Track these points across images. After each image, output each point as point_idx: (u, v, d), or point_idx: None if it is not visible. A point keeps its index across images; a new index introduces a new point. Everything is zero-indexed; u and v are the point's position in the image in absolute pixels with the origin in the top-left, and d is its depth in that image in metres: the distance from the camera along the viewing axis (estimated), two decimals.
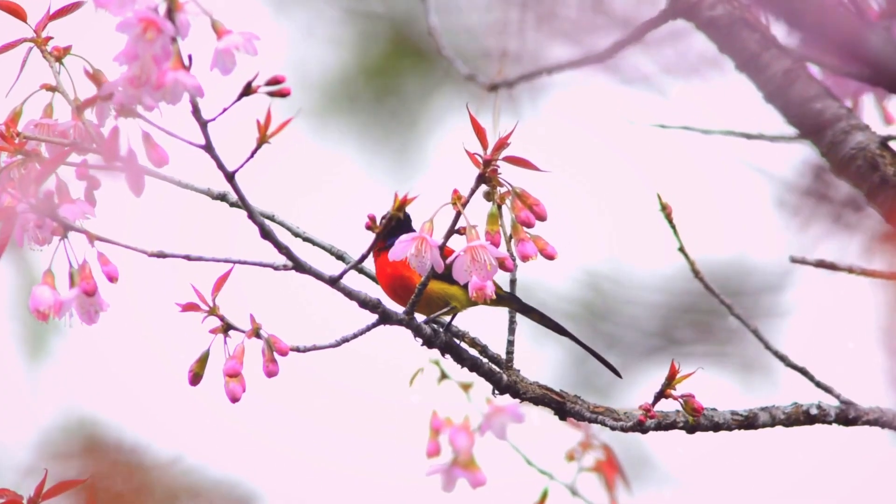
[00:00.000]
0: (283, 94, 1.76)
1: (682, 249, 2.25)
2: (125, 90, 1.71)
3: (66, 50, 1.95)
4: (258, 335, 1.90)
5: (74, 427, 3.29)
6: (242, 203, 1.82)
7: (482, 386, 2.24)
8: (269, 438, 3.32)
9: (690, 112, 2.38)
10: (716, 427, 2.10)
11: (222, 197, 2.11)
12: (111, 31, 1.77)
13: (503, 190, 1.91)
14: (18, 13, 1.95)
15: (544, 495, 2.45)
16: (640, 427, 2.05)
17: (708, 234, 3.32)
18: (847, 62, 2.08)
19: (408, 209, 1.91)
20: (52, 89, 1.94)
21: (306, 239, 2.14)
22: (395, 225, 1.92)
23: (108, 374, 3.37)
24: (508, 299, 2.09)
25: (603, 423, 2.07)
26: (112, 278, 1.83)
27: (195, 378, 1.90)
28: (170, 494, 2.91)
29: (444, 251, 1.89)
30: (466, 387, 2.43)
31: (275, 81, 1.76)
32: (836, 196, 2.22)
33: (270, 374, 1.89)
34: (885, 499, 2.65)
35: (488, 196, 1.92)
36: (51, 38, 1.95)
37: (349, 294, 1.93)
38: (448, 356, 2.07)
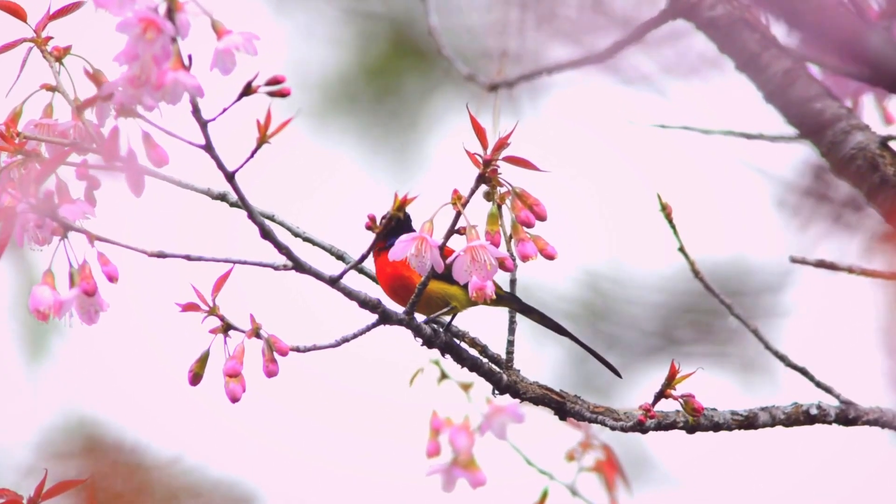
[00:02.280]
0: (283, 95, 1.76)
1: (682, 249, 2.25)
2: (125, 90, 1.70)
3: (66, 50, 1.95)
4: (258, 335, 1.90)
5: (74, 427, 3.29)
6: (242, 203, 1.82)
7: (482, 386, 2.24)
8: (268, 438, 3.32)
9: (690, 112, 2.38)
10: (716, 427, 2.10)
11: (222, 197, 2.11)
12: (111, 30, 1.77)
13: (503, 190, 1.91)
14: (18, 13, 1.95)
15: (544, 495, 2.45)
16: (640, 427, 2.05)
17: (708, 234, 3.32)
18: (847, 62, 2.08)
19: (408, 209, 1.91)
20: (52, 89, 1.94)
21: (306, 239, 2.14)
22: (395, 225, 1.92)
23: (108, 373, 3.37)
24: (508, 299, 2.09)
25: (603, 424, 2.06)
26: (112, 278, 1.82)
27: (195, 378, 1.90)
28: (170, 494, 2.91)
29: (444, 251, 1.89)
30: (466, 387, 2.44)
31: (275, 81, 1.76)
32: (835, 196, 2.22)
33: (270, 374, 1.89)
34: (886, 499, 2.65)
35: (488, 196, 1.92)
36: (51, 37, 1.95)
37: (349, 294, 1.93)
38: (448, 356, 2.06)
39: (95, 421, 3.27)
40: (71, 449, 3.12)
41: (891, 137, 2.14)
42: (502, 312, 2.11)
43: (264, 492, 2.91)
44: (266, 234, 1.84)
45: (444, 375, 2.42)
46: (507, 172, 1.90)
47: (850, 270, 2.23)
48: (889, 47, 2.00)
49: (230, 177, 1.78)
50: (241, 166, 1.78)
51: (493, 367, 2.09)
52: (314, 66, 3.78)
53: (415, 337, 2.03)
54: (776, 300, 3.24)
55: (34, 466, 3.02)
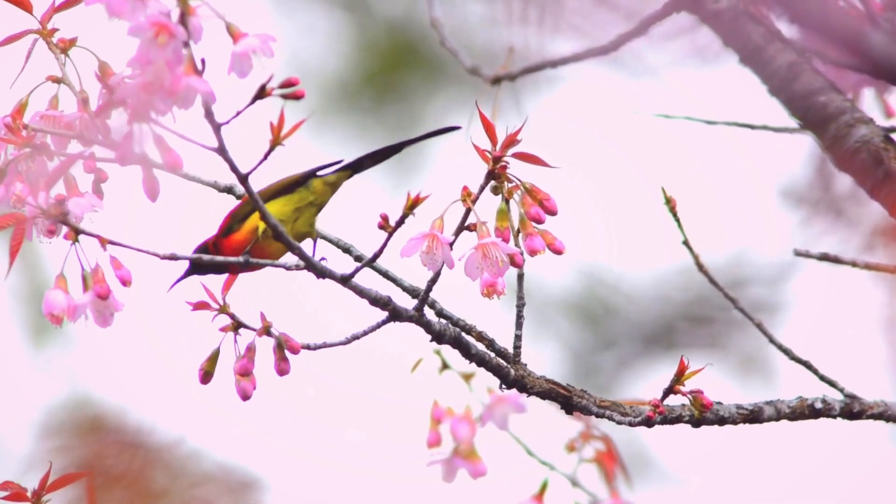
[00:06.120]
0: (297, 97, 1.75)
1: (686, 243, 2.25)
2: (138, 96, 1.69)
3: (72, 41, 1.94)
4: (269, 333, 1.89)
5: (78, 408, 3.28)
6: (255, 205, 1.81)
7: (484, 376, 2.24)
8: (274, 433, 3.32)
9: (694, 104, 2.39)
10: (721, 421, 2.11)
11: (229, 189, 2.11)
12: (117, 23, 1.75)
13: (511, 185, 1.91)
14: (24, 4, 1.94)
15: (544, 486, 2.46)
16: (648, 422, 2.05)
17: (709, 227, 3.32)
18: (848, 56, 2.09)
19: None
20: (58, 81, 1.93)
21: None
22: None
23: (113, 355, 3.36)
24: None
25: (610, 418, 2.07)
26: (126, 282, 1.81)
27: (206, 376, 1.90)
28: (172, 477, 2.91)
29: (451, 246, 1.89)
30: (468, 377, 2.44)
31: (289, 84, 1.75)
32: (838, 188, 2.22)
33: (282, 372, 1.89)
34: (890, 492, 2.68)
35: (496, 191, 1.92)
36: (56, 29, 1.94)
37: (360, 292, 1.92)
38: (456, 351, 2.06)
39: (98, 402, 3.27)
40: (74, 431, 3.11)
41: (894, 130, 2.15)
42: (511, 308, 2.11)
43: (268, 480, 2.91)
44: (279, 235, 1.83)
45: (445, 366, 2.43)
46: (514, 167, 1.90)
47: (853, 264, 2.24)
48: (890, 43, 2.01)
49: (244, 179, 1.77)
50: (255, 168, 1.77)
51: (501, 361, 2.09)
52: (314, 65, 3.76)
53: (425, 332, 2.03)
54: (778, 293, 3.25)
55: (37, 448, 3.02)
